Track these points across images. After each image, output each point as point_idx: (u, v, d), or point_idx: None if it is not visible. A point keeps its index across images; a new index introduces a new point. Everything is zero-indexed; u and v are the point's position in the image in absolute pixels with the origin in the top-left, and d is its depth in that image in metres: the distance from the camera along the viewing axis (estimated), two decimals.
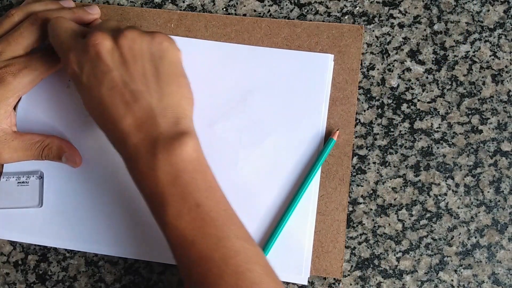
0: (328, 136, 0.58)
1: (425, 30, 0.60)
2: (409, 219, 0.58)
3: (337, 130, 0.58)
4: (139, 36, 0.51)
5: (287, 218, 0.57)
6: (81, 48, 0.51)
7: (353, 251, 0.58)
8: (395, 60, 0.60)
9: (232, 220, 0.49)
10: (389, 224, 0.58)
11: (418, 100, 0.59)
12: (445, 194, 0.58)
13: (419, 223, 0.58)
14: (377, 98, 0.60)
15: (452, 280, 0.57)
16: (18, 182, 0.59)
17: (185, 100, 0.52)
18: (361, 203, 0.58)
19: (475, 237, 0.57)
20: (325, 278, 0.57)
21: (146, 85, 0.50)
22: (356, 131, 0.59)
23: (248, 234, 0.49)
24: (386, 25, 0.61)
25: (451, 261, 0.57)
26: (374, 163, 0.59)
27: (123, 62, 0.50)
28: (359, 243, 0.58)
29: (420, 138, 0.59)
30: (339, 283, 0.57)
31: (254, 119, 0.59)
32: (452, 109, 0.59)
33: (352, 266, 0.57)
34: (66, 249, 0.59)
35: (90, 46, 0.50)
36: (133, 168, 0.49)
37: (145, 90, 0.50)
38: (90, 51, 0.50)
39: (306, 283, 0.56)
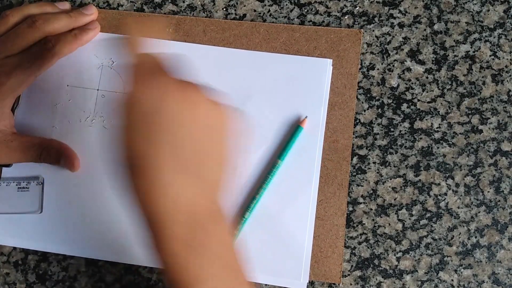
0: (327, 140, 0.58)
1: (425, 30, 0.60)
2: (409, 219, 0.58)
3: (306, 117, 0.58)
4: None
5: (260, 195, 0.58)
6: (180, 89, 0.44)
7: (353, 251, 0.58)
8: (395, 60, 0.60)
9: None
10: (389, 224, 0.58)
11: (418, 100, 0.59)
12: (445, 194, 0.58)
13: (419, 223, 0.58)
14: (377, 98, 0.60)
15: (452, 280, 0.57)
16: (18, 188, 0.58)
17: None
18: (361, 203, 0.58)
19: (475, 237, 0.57)
20: None
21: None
22: (356, 131, 0.59)
23: None
24: (386, 25, 0.61)
25: (451, 261, 0.57)
26: (374, 163, 0.59)
27: None
28: (359, 243, 0.58)
29: (420, 138, 0.59)
30: (339, 283, 0.57)
31: (252, 124, 0.59)
32: (452, 109, 0.59)
33: (352, 266, 0.58)
34: None
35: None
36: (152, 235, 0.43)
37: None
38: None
39: None
